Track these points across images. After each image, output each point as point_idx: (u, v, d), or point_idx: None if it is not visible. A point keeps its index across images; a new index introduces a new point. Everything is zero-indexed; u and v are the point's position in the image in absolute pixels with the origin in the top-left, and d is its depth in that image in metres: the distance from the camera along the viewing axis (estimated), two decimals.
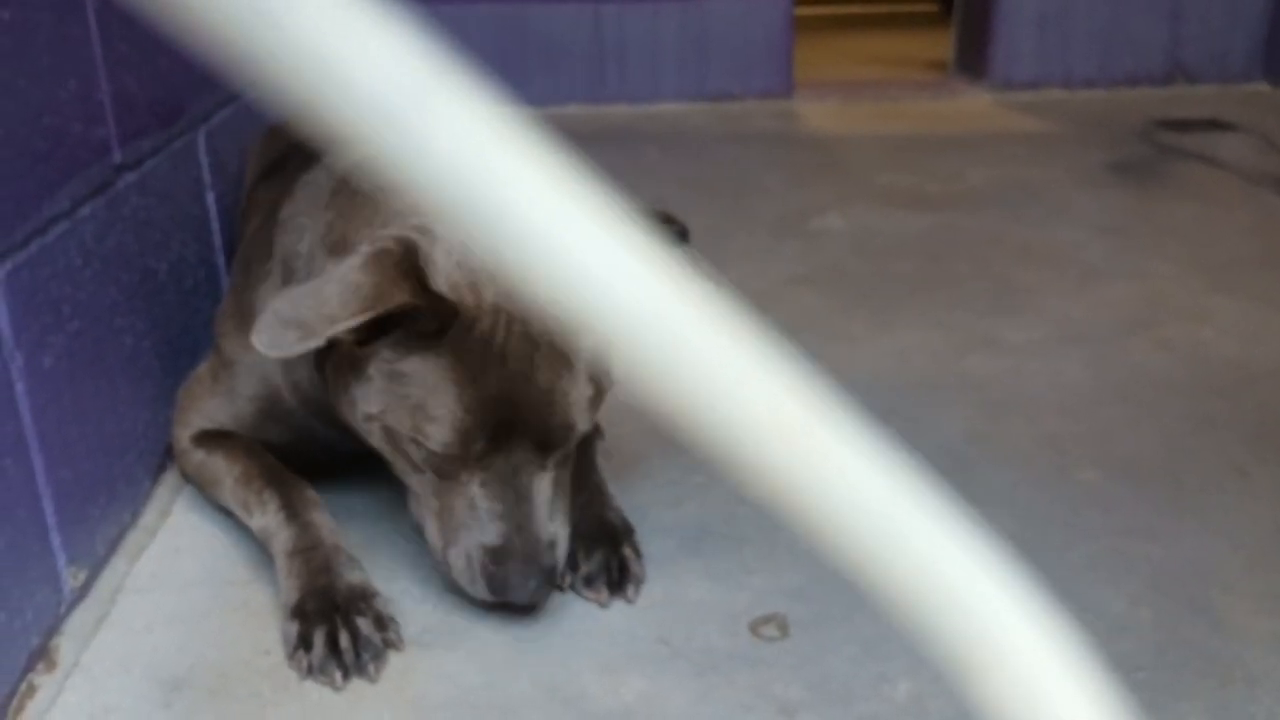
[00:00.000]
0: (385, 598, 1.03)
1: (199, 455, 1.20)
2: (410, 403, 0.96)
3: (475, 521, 0.99)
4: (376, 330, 0.94)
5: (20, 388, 0.95)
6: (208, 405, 1.21)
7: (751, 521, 1.17)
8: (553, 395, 0.97)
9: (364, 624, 0.98)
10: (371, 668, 0.96)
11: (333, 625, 0.97)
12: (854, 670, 0.96)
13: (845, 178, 2.52)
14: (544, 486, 1.00)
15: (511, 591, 0.99)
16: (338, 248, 1.04)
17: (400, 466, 1.03)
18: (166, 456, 1.27)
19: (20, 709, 0.92)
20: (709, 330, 0.25)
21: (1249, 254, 1.97)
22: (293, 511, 1.09)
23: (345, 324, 0.90)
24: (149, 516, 1.20)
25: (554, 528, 1.01)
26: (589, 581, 1.06)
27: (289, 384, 1.14)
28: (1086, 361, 1.55)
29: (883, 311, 1.74)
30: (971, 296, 1.80)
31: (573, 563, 1.07)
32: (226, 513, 1.17)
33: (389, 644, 0.99)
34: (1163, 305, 1.75)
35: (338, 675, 0.95)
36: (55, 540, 1.00)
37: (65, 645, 0.99)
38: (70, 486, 1.03)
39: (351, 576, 1.03)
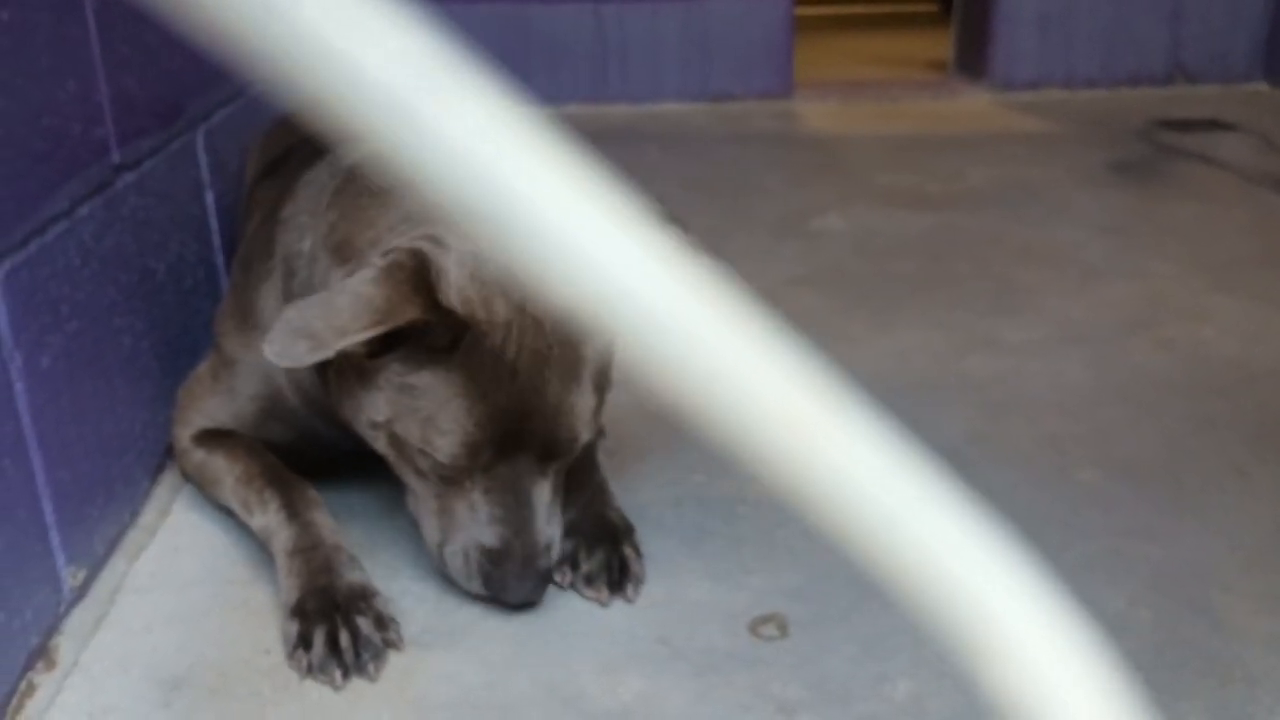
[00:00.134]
0: (385, 597, 1.03)
1: (199, 454, 1.20)
2: (420, 416, 0.97)
3: (475, 524, 1.01)
4: (387, 343, 0.95)
5: (19, 387, 0.95)
6: (208, 404, 1.21)
7: (751, 521, 1.17)
8: (560, 409, 0.99)
9: (364, 623, 0.98)
10: (371, 667, 0.96)
11: (333, 625, 0.97)
12: (853, 670, 0.96)
13: (845, 178, 2.52)
14: (544, 492, 1.02)
15: (508, 592, 1.01)
16: (341, 249, 1.04)
17: (402, 470, 1.04)
18: (166, 456, 1.27)
19: (20, 708, 0.92)
20: (718, 323, 0.25)
21: (1249, 253, 1.97)
22: (293, 511, 1.09)
23: (356, 337, 0.90)
24: (148, 516, 1.20)
25: (551, 530, 1.03)
26: (590, 580, 1.06)
27: (290, 383, 1.14)
28: (1087, 361, 1.55)
29: (883, 312, 1.74)
30: (972, 296, 1.80)
31: (574, 561, 1.07)
32: (226, 512, 1.17)
33: (389, 643, 0.99)
34: (1163, 305, 1.75)
35: (338, 675, 0.95)
36: (54, 540, 1.00)
37: (64, 644, 0.99)
38: (69, 486, 1.03)
39: (352, 576, 1.03)
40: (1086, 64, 3.34)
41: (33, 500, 0.97)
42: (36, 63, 1.02)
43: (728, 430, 0.25)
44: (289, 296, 1.11)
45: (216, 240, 1.52)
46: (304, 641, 0.97)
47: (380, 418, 0.99)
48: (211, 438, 1.20)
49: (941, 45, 3.83)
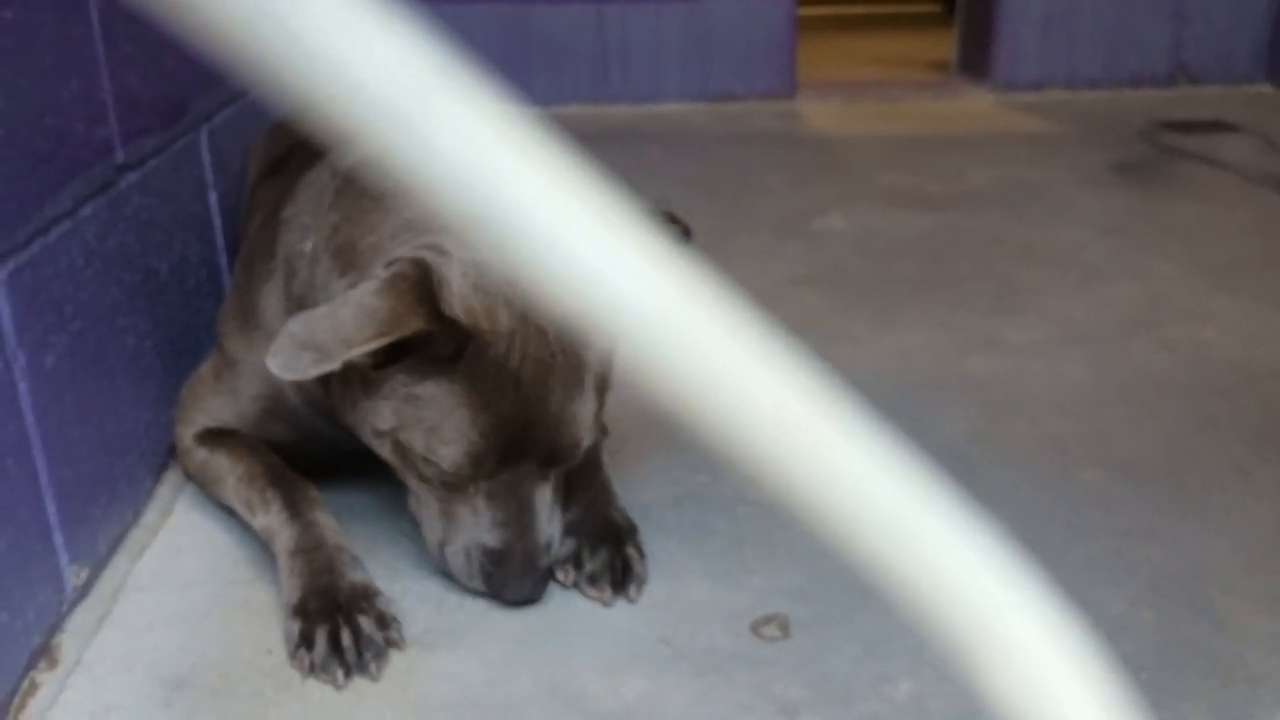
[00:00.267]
0: (387, 597, 1.03)
1: (202, 454, 1.20)
2: (425, 425, 0.97)
3: (477, 526, 1.02)
4: (392, 353, 0.95)
5: (23, 387, 0.95)
6: (211, 404, 1.22)
7: (753, 521, 1.17)
8: (563, 417, 0.99)
9: (366, 623, 0.98)
10: (373, 667, 0.96)
11: (335, 624, 0.98)
12: (855, 670, 0.96)
13: (847, 178, 2.52)
14: (545, 496, 1.03)
15: (509, 592, 1.02)
16: (344, 251, 1.04)
17: (406, 475, 1.04)
18: (168, 456, 1.27)
19: (22, 707, 0.92)
20: (715, 327, 0.25)
21: (1251, 254, 1.97)
22: (295, 511, 1.09)
23: (361, 349, 0.90)
24: (151, 515, 1.20)
25: (551, 530, 1.04)
26: (593, 580, 1.06)
27: (292, 384, 1.15)
28: (1088, 362, 1.55)
29: (885, 312, 1.74)
30: (973, 297, 1.80)
31: (577, 561, 1.07)
32: (229, 512, 1.17)
33: (391, 643, 0.99)
34: (1165, 305, 1.75)
35: (340, 674, 0.95)
36: (57, 539, 1.00)
37: (67, 643, 0.99)
38: (72, 486, 1.03)
39: (354, 576, 1.03)
40: (1089, 65, 3.34)
41: (36, 499, 0.97)
42: (40, 62, 1.02)
43: (729, 433, 0.25)
44: (290, 297, 1.11)
45: (219, 240, 1.52)
46: (306, 641, 0.97)
47: (385, 426, 0.99)
48: (214, 437, 1.21)
49: (944, 46, 3.83)
